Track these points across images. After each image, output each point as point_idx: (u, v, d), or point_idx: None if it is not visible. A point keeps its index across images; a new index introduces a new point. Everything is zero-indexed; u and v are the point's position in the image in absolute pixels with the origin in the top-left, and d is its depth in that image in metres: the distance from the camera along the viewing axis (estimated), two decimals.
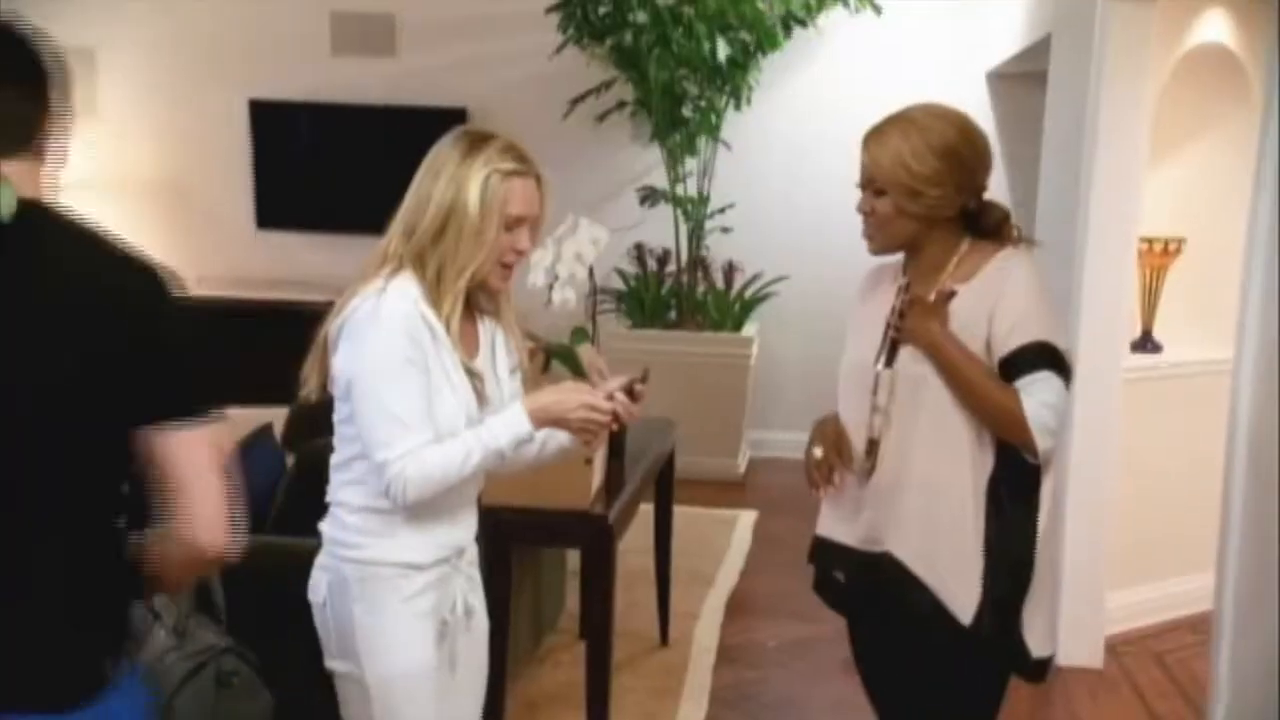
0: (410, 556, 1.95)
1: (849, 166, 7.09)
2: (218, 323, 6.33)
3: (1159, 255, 4.06)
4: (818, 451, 2.09)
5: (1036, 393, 1.92)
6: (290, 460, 2.97)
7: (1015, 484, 1.98)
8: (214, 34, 6.47)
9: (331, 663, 2.00)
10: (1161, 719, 3.48)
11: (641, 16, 5.51)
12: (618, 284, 6.01)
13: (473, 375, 1.96)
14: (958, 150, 1.98)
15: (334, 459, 2.02)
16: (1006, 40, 5.58)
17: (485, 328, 2.05)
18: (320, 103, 6.41)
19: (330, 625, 1.98)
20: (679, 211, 5.93)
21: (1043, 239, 4.43)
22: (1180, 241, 4.07)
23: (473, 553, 2.12)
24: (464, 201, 1.88)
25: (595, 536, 2.85)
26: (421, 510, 1.93)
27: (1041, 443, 1.93)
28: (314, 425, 3.47)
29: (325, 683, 2.17)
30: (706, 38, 5.46)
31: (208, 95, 6.52)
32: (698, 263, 6.04)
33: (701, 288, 6.06)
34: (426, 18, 6.36)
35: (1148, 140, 3.90)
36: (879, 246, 2.10)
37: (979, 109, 6.10)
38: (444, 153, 1.93)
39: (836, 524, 2.16)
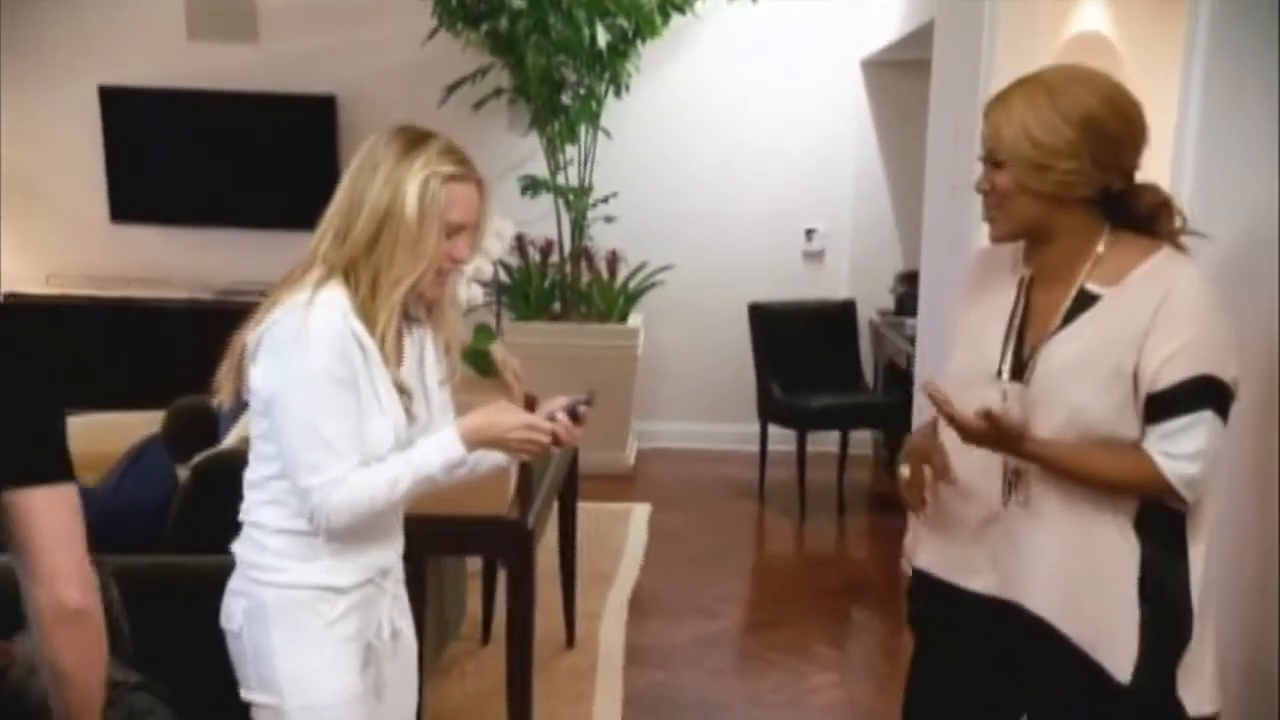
0: (332, 579, 1.83)
1: (729, 152, 7.22)
2: (73, 323, 5.92)
3: None
4: (904, 471, 1.87)
5: (1182, 442, 1.63)
6: (181, 471, 2.75)
7: (1168, 532, 1.70)
8: (61, 17, 6.04)
9: (249, 694, 1.86)
10: None
11: (518, 1, 5.36)
12: (500, 276, 5.86)
13: (402, 392, 1.83)
14: (1098, 119, 1.65)
15: (249, 476, 1.86)
16: (883, 28, 5.63)
17: (413, 336, 1.91)
18: (177, 89, 6.05)
19: (247, 654, 1.84)
20: (561, 201, 5.82)
21: (931, 228, 4.54)
22: None
23: (399, 571, 1.99)
24: (401, 206, 1.75)
25: (515, 544, 2.73)
26: (345, 532, 1.80)
27: (1188, 496, 1.66)
28: (196, 432, 3.27)
29: (241, 715, 2.01)
30: (585, 24, 5.35)
31: (55, 82, 6.09)
32: (581, 253, 5.94)
33: (586, 278, 5.97)
34: (290, 2, 6.08)
35: None
36: (1001, 231, 1.76)
37: (855, 96, 6.19)
38: (379, 150, 1.79)
39: (942, 559, 1.90)
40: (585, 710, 3.39)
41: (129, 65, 6.07)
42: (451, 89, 5.67)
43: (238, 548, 1.87)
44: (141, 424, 3.52)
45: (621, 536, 4.88)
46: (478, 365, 2.83)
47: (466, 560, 3.85)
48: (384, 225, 1.75)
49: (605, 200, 5.90)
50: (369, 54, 6.06)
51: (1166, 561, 1.70)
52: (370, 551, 1.88)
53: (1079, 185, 1.68)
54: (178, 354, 5.42)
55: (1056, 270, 1.75)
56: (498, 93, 5.78)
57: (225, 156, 6.08)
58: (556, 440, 1.84)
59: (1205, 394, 1.63)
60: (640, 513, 5.20)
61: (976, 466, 1.80)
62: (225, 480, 2.48)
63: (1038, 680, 1.78)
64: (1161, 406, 1.65)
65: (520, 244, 5.91)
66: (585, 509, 3.99)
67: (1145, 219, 1.73)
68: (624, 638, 3.91)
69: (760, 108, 6.19)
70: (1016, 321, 1.78)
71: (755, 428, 5.62)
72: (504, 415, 1.82)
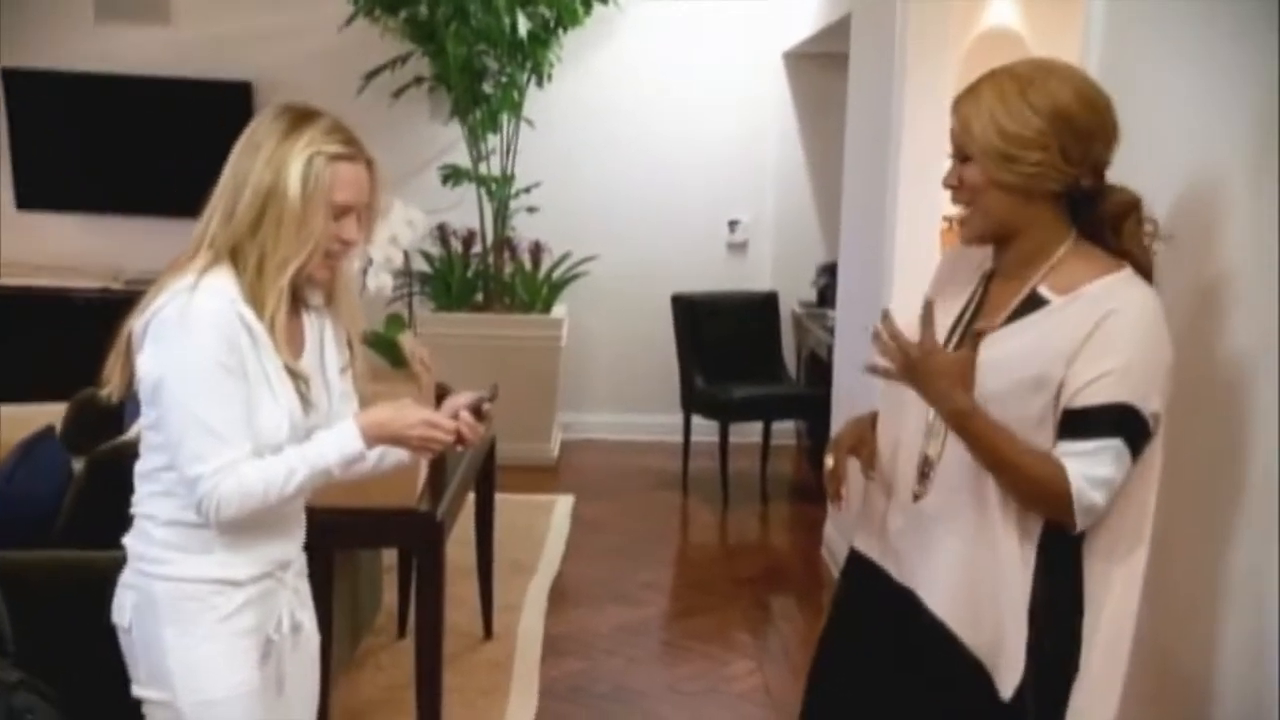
0: (226, 572, 1.79)
1: (652, 144, 7.19)
2: None
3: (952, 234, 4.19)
4: (829, 460, 1.85)
5: (1093, 465, 1.60)
6: (76, 464, 2.68)
7: (1064, 555, 1.68)
8: None
9: (140, 690, 1.82)
10: None
11: None
12: (422, 266, 5.80)
13: (297, 378, 1.79)
14: (1068, 111, 1.61)
15: (139, 467, 1.82)
16: (803, 20, 5.67)
17: (312, 322, 1.88)
18: (84, 73, 5.88)
19: (138, 649, 1.80)
20: (483, 191, 5.77)
21: (850, 220, 4.58)
22: None
23: (300, 564, 1.96)
24: (284, 186, 1.71)
25: (424, 536, 2.70)
26: (233, 524, 1.76)
27: (1080, 523, 1.62)
28: (98, 424, 3.18)
29: (133, 712, 1.96)
30: (506, 12, 5.31)
31: None
32: (504, 243, 5.90)
33: (509, 269, 5.93)
34: None
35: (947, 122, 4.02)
36: (972, 232, 1.72)
37: (777, 88, 6.22)
38: (262, 128, 1.75)
39: (865, 539, 1.89)
40: (500, 701, 3.37)
41: (34, 47, 5.88)
42: (370, 76, 5.60)
43: (128, 540, 1.83)
44: (45, 416, 3.41)
45: (544, 528, 4.86)
46: (388, 355, 2.80)
47: (382, 553, 3.81)
48: (267, 206, 1.71)
49: (528, 190, 5.86)
50: (286, 40, 5.95)
51: (1058, 589, 1.68)
52: (268, 544, 1.84)
53: (1048, 178, 1.64)
54: (88, 344, 5.28)
55: (1016, 268, 1.72)
56: (418, 81, 5.72)
57: (137, 143, 5.93)
58: (460, 439, 1.82)
59: (1121, 422, 1.60)
60: (563, 504, 5.18)
61: (894, 452, 1.81)
62: (121, 472, 2.42)
63: (932, 678, 1.77)
64: (1075, 424, 1.62)
65: (442, 233, 5.86)
66: (508, 501, 3.97)
67: (1114, 219, 1.69)
68: (543, 628, 3.89)
69: (683, 99, 6.19)
70: (968, 314, 1.77)
71: (679, 418, 5.63)
72: (405, 412, 1.80)
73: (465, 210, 5.84)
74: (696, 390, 5.51)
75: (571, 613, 4.07)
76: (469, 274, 5.93)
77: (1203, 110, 1.98)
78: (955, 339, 1.75)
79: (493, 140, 5.77)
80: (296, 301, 1.83)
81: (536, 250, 5.95)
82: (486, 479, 3.64)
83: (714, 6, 6.12)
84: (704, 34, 6.15)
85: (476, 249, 5.92)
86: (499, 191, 5.78)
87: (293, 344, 1.82)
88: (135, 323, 1.74)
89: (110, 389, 1.80)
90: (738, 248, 6.41)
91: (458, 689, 3.31)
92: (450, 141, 5.96)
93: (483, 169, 5.76)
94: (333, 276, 1.85)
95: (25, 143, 5.96)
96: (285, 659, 1.90)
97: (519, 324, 5.78)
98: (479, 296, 5.93)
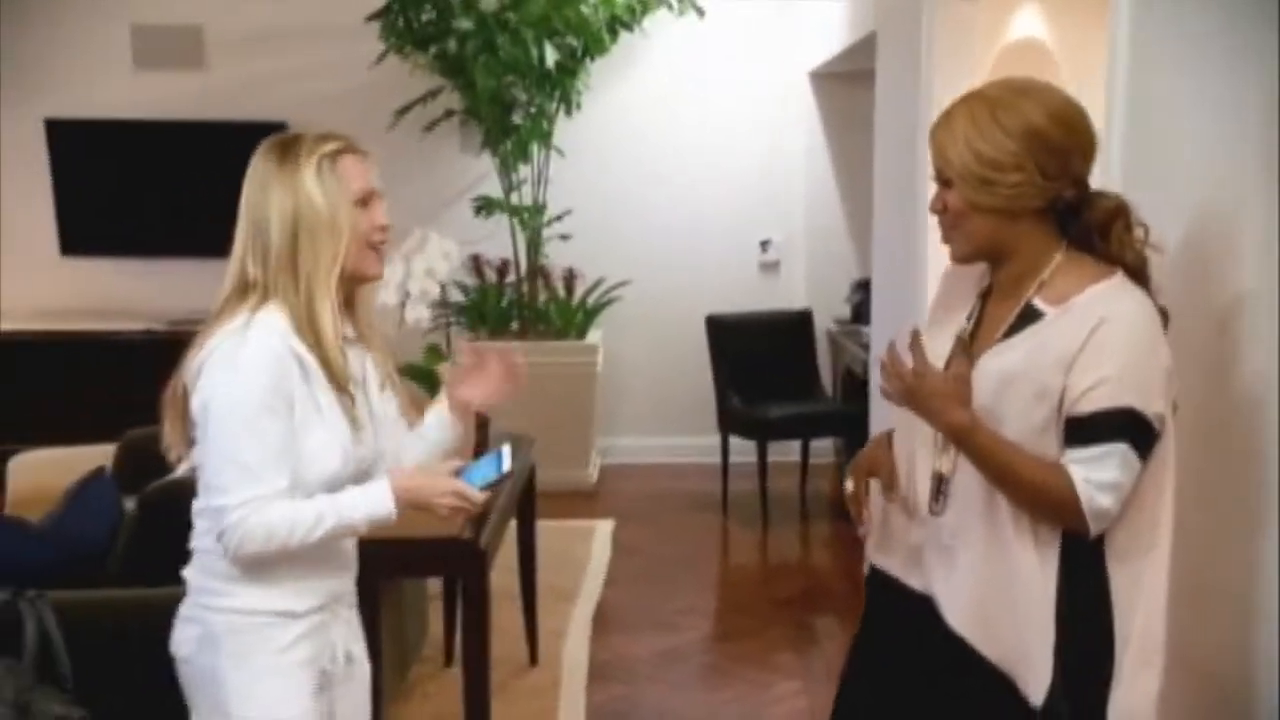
0: (286, 604, 1.83)
1: (681, 167, 7.22)
2: (24, 358, 5.86)
3: None
4: (848, 485, 1.88)
5: (1100, 470, 1.61)
6: (128, 503, 2.73)
7: (1087, 561, 1.69)
8: (4, 49, 5.99)
9: None
10: None
11: (466, 23, 5.37)
12: (457, 296, 5.86)
13: (346, 400, 1.83)
14: (1039, 130, 1.64)
15: (196, 504, 1.86)
16: (828, 40, 5.70)
17: (354, 351, 1.92)
18: (124, 120, 6.02)
19: (197, 681, 1.84)
20: (515, 220, 5.83)
21: (882, 236, 4.58)
22: None
23: (352, 596, 1.99)
24: (306, 200, 1.77)
25: (469, 564, 2.73)
26: (252, 562, 1.78)
27: (1094, 528, 1.64)
28: (149, 464, 3.24)
29: None
30: (533, 43, 5.37)
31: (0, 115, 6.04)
32: (537, 271, 5.95)
33: (543, 296, 5.98)
34: (236, 29, 6.07)
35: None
36: (959, 252, 1.76)
37: (805, 108, 6.25)
38: (260, 168, 1.81)
39: (885, 555, 1.90)
40: None
41: (75, 97, 6.03)
42: (402, 112, 5.69)
43: (188, 574, 1.87)
44: (95, 457, 3.48)
45: (585, 553, 4.88)
46: (427, 385, 2.84)
47: (427, 582, 3.84)
48: (298, 227, 1.77)
49: (559, 218, 5.92)
50: (318, 79, 6.05)
51: (1084, 593, 1.69)
52: (327, 578, 1.88)
53: (1027, 197, 1.67)
54: (134, 386, 5.38)
55: (1011, 285, 1.75)
56: (448, 114, 5.80)
57: (176, 186, 6.04)
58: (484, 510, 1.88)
59: (1124, 426, 1.62)
60: (603, 529, 5.20)
61: (908, 470, 1.82)
62: (173, 510, 2.47)
63: (954, 690, 1.78)
64: (1079, 431, 1.63)
65: (476, 264, 5.92)
66: (548, 527, 4.00)
67: (1101, 227, 1.71)
68: (587, 654, 3.91)
69: (711, 121, 6.23)
70: (968, 331, 1.79)
71: (716, 440, 5.64)
72: (437, 481, 1.84)
73: (499, 240, 5.90)
74: (733, 411, 5.52)
75: (614, 638, 4.08)
76: (504, 303, 5.99)
77: (1229, 119, 1.98)
78: (954, 353, 1.78)
79: (524, 170, 5.83)
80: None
81: (570, 277, 6.00)
82: (528, 506, 3.67)
83: (738, 29, 6.16)
84: (729, 56, 6.19)
85: (510, 278, 5.97)
86: (531, 220, 5.84)
87: (340, 372, 1.84)
88: (187, 372, 1.78)
89: (174, 453, 1.84)
90: (770, 267, 6.43)
91: (505, 715, 3.33)
92: (482, 173, 6.03)
93: (514, 199, 5.82)
94: (381, 270, 1.89)
95: (68, 190, 6.09)
96: (338, 690, 1.93)
97: (555, 351, 5.82)
98: (514, 325, 5.98)
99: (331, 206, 1.78)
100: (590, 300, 6.06)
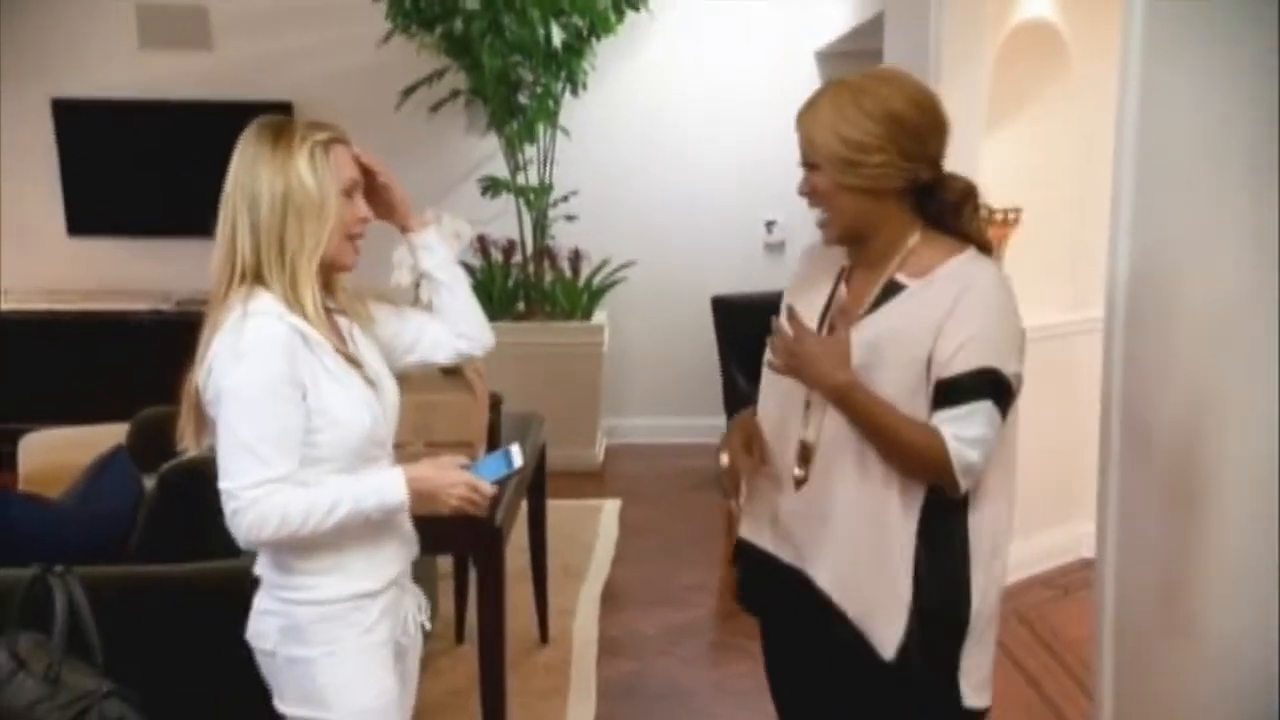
0: (363, 585, 1.86)
1: (687, 147, 7.18)
2: (32, 338, 5.87)
3: (1000, 226, 4.20)
4: (724, 459, 1.94)
5: (966, 427, 1.73)
6: (147, 480, 2.76)
7: (948, 518, 1.80)
8: (10, 30, 5.99)
9: (288, 709, 1.88)
10: (1033, 675, 3.61)
11: (472, 3, 5.37)
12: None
13: (354, 363, 1.86)
14: (899, 114, 1.75)
15: None
16: (835, 20, 5.69)
17: (342, 322, 1.93)
18: (130, 100, 6.02)
19: (284, 671, 1.86)
20: (521, 201, 5.84)
21: None
22: (1018, 211, 4.22)
23: (410, 568, 2.03)
24: (297, 183, 1.78)
25: (484, 542, 2.75)
26: (369, 532, 1.83)
27: (963, 483, 1.75)
28: (162, 442, 3.26)
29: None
30: (540, 23, 5.37)
31: (6, 95, 6.03)
32: (544, 252, 5.96)
33: (549, 277, 5.99)
34: (242, 8, 6.06)
35: (985, 116, 4.04)
36: (833, 234, 1.86)
37: (810, 88, 6.21)
38: (250, 149, 1.82)
39: (755, 528, 2.00)
40: (559, 704, 3.42)
41: (81, 77, 6.03)
42: (408, 92, 5.68)
43: (262, 570, 1.88)
44: (107, 436, 3.50)
45: (593, 532, 4.91)
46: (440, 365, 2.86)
47: (438, 561, 3.87)
48: (287, 209, 1.78)
49: (565, 199, 5.93)
50: (324, 59, 6.05)
51: (946, 544, 1.79)
52: (395, 551, 1.92)
53: (890, 177, 1.78)
54: (141, 365, 5.42)
55: (873, 262, 1.86)
56: (454, 95, 5.80)
57: (182, 166, 6.00)
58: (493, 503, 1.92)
59: (987, 385, 1.73)
60: (610, 508, 5.23)
61: (775, 442, 1.91)
62: (192, 488, 2.50)
63: (825, 656, 1.88)
64: (947, 393, 1.75)
65: (482, 244, 5.93)
66: (556, 506, 4.02)
67: (953, 207, 1.84)
68: (597, 631, 3.94)
69: (716, 101, 6.23)
70: (832, 308, 1.89)
71: (722, 420, 5.64)
72: (448, 473, 1.86)
73: (505, 221, 5.91)
74: (739, 391, 5.52)
75: (623, 615, 4.11)
76: (510, 284, 6.00)
77: (1246, 104, 1.99)
78: (825, 329, 1.88)
79: (530, 150, 5.83)
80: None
81: (576, 258, 6.01)
82: (538, 486, 3.69)
83: (744, 8, 6.16)
84: (735, 36, 6.19)
85: (517, 259, 5.98)
86: (537, 201, 5.85)
87: (337, 338, 1.88)
88: (199, 370, 1.80)
89: (185, 444, 1.86)
90: (775, 248, 6.44)
91: (518, 691, 3.37)
92: (488, 153, 6.04)
93: (521, 179, 5.83)
94: (354, 260, 1.90)
95: (75, 170, 6.10)
96: (408, 658, 2.00)
97: (561, 331, 5.84)
98: (520, 305, 6.00)
99: (322, 192, 1.79)
100: (596, 281, 6.07)
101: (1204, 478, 2.14)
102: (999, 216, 4.19)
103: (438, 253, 2.04)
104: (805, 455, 1.86)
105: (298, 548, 1.79)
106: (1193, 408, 2.19)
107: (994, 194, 4.12)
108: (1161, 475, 2.31)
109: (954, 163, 3.64)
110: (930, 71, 3.83)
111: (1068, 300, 4.33)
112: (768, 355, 1.85)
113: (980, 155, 3.93)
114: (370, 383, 1.86)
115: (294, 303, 1.79)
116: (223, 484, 1.74)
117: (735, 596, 2.13)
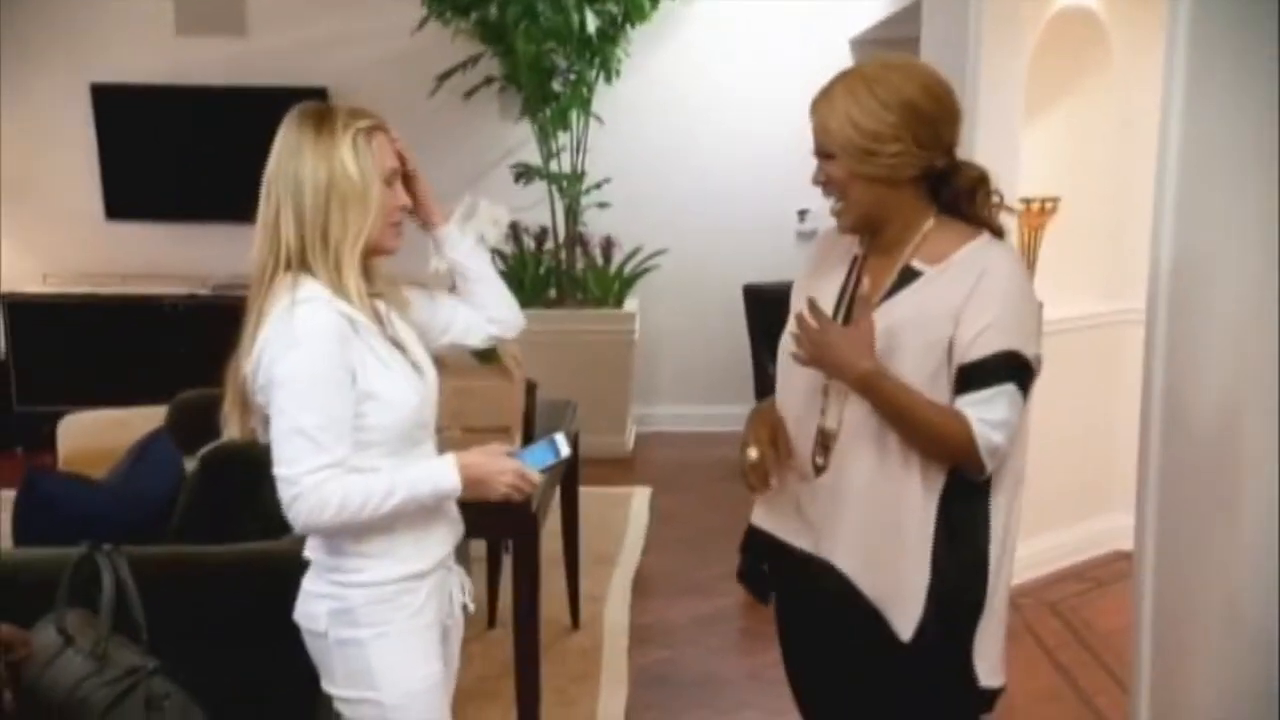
0: (412, 567, 1.87)
1: (720, 135, 7.15)
2: (71, 321, 5.94)
3: (1037, 215, 4.17)
4: (752, 453, 1.92)
5: (990, 410, 1.74)
6: (188, 462, 2.79)
7: (969, 501, 1.81)
8: (51, 16, 6.05)
9: (336, 689, 1.89)
10: (1066, 668, 3.59)
11: None
12: (496, 264, 5.89)
13: (399, 347, 1.88)
14: (914, 102, 1.75)
15: None
16: (871, 6, 5.65)
17: (380, 307, 1.93)
18: (167, 85, 6.07)
19: (333, 652, 1.87)
20: (554, 188, 5.85)
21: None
22: (1055, 201, 4.19)
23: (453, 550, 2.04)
24: (341, 170, 1.79)
25: (521, 527, 2.77)
26: (420, 517, 1.84)
27: (989, 465, 1.76)
28: (201, 425, 3.30)
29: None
30: (574, 9, 5.38)
31: (47, 81, 6.11)
32: (576, 239, 5.97)
33: (581, 264, 6.00)
34: None
35: (1023, 105, 4.00)
36: (848, 222, 1.86)
37: None
38: (292, 135, 1.82)
39: (773, 517, 2.01)
40: (591, 688, 3.44)
41: (119, 62, 6.09)
42: (443, 78, 5.70)
43: (312, 554, 1.90)
44: (144, 419, 3.55)
45: (623, 520, 4.92)
46: (478, 352, 2.87)
47: (470, 546, 3.89)
48: (330, 196, 1.79)
49: (598, 186, 5.93)
50: (359, 45, 6.08)
51: (966, 524, 1.80)
52: (442, 532, 1.94)
53: (906, 166, 1.78)
54: (178, 348, 5.50)
55: (887, 249, 1.86)
56: (488, 81, 5.81)
57: (218, 151, 6.07)
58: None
59: (1009, 368, 1.74)
60: (641, 496, 5.24)
61: (794, 431, 1.91)
62: (232, 470, 2.53)
63: (841, 639, 1.89)
64: (970, 377, 1.75)
65: (515, 231, 5.94)
66: (587, 494, 4.03)
67: (966, 194, 1.84)
68: (628, 618, 3.96)
69: (750, 89, 6.21)
70: (847, 295, 1.89)
71: (752, 409, 5.64)
72: (498, 460, 1.87)
73: (537, 208, 5.92)
74: (769, 380, 5.46)
75: (653, 602, 4.12)
76: (541, 271, 6.01)
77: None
78: (840, 318, 1.88)
79: (563, 138, 5.84)
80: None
81: (608, 245, 6.02)
82: (571, 473, 3.70)
83: None
84: (770, 24, 6.17)
85: (549, 245, 5.99)
86: (570, 188, 5.85)
87: (378, 323, 1.88)
88: (246, 362, 1.80)
89: (230, 430, 1.87)
90: (807, 236, 6.40)
91: (550, 676, 3.38)
92: (521, 140, 6.05)
93: (553, 166, 5.83)
94: (399, 244, 1.91)
95: (113, 155, 6.16)
96: (452, 638, 2.02)
97: (592, 319, 5.85)
98: (552, 293, 6.01)
99: (365, 180, 1.80)
100: (628, 268, 6.07)
101: (1245, 469, 2.13)
102: (1035, 206, 4.17)
103: (460, 243, 2.06)
104: (825, 443, 1.87)
105: (352, 532, 1.81)
106: (1234, 400, 2.18)
107: (1031, 183, 4.14)
108: (1202, 467, 2.30)
109: (993, 151, 3.63)
110: (969, 59, 3.81)
111: (1104, 290, 4.29)
112: (787, 345, 1.87)
113: (1020, 144, 3.90)
114: (414, 365, 1.88)
115: (338, 289, 1.80)
116: (279, 470, 1.75)
117: (739, 577, 2.16)
